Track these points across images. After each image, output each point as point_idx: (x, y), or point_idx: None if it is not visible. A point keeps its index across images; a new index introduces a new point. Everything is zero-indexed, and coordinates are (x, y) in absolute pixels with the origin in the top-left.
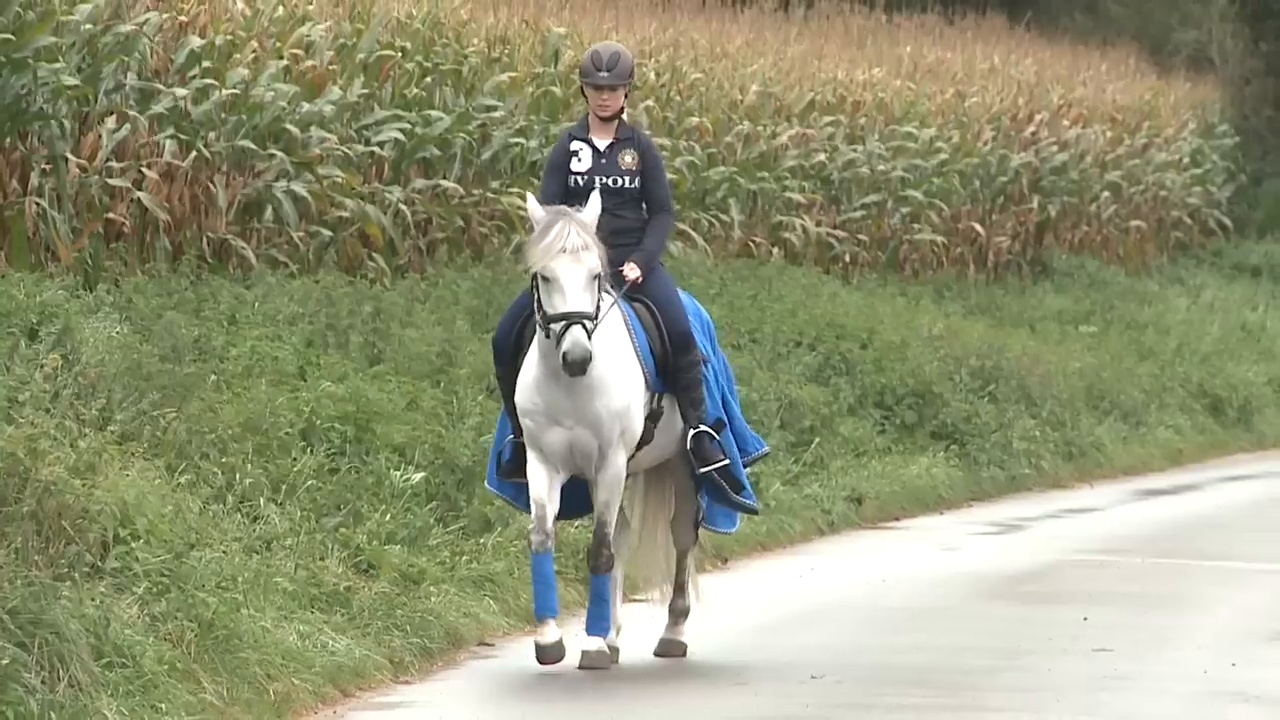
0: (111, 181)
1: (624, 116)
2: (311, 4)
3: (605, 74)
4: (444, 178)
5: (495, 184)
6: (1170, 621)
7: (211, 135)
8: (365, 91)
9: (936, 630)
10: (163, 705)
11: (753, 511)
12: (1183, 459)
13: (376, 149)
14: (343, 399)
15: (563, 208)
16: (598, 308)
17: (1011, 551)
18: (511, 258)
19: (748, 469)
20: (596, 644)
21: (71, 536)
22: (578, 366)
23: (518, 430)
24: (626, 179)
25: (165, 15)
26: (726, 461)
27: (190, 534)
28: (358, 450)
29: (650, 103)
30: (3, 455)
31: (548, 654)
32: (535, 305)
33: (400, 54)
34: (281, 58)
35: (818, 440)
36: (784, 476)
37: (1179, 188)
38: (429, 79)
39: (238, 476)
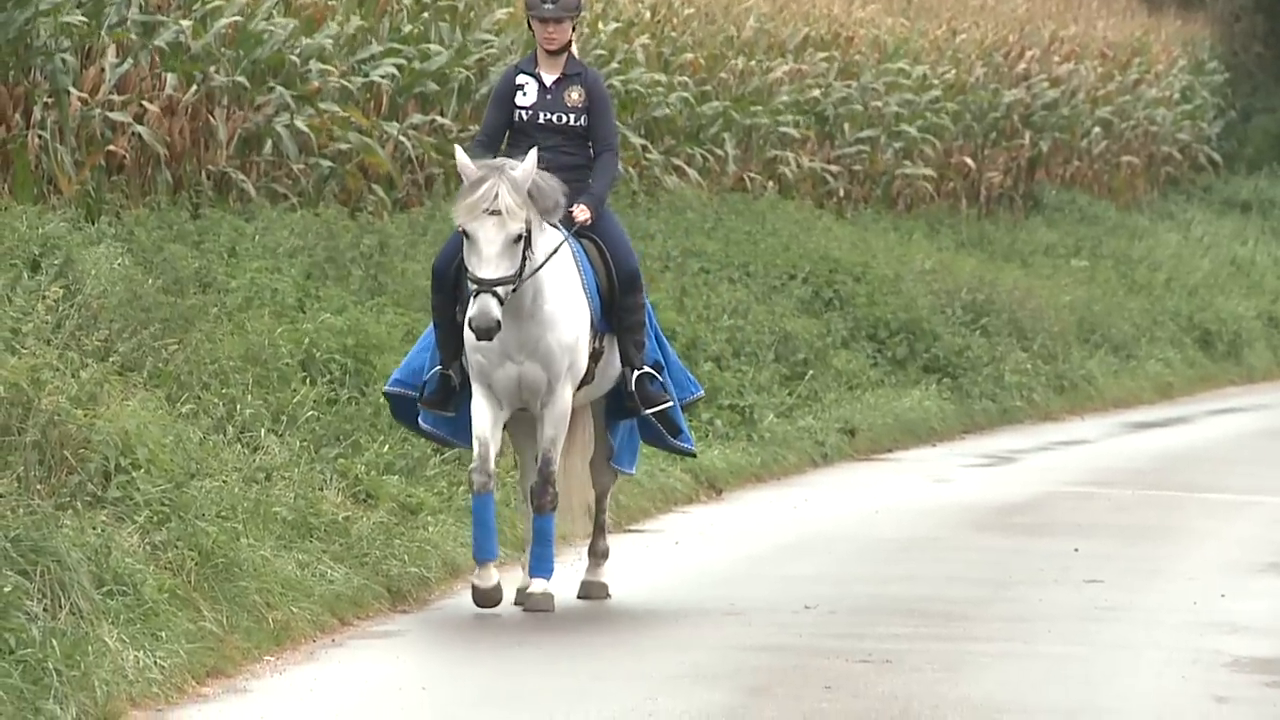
0: (113, 115)
1: (573, 51)
2: None
3: (551, 5)
4: (441, 114)
5: None
6: (1160, 553)
7: (212, 69)
8: (363, 25)
9: (928, 561)
10: (162, 633)
11: (690, 454)
12: (1173, 392)
13: (378, 79)
14: (342, 331)
15: (496, 162)
16: (521, 269)
17: (1002, 483)
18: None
19: (686, 412)
20: (541, 585)
21: (73, 466)
22: (483, 334)
23: (445, 362)
24: (572, 116)
25: None
26: (672, 403)
27: (190, 464)
28: (357, 382)
29: (645, 38)
30: (5, 385)
31: (486, 597)
32: (461, 260)
33: None
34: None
35: (811, 373)
36: (778, 408)
37: (1169, 123)
38: (425, 14)
39: (238, 407)
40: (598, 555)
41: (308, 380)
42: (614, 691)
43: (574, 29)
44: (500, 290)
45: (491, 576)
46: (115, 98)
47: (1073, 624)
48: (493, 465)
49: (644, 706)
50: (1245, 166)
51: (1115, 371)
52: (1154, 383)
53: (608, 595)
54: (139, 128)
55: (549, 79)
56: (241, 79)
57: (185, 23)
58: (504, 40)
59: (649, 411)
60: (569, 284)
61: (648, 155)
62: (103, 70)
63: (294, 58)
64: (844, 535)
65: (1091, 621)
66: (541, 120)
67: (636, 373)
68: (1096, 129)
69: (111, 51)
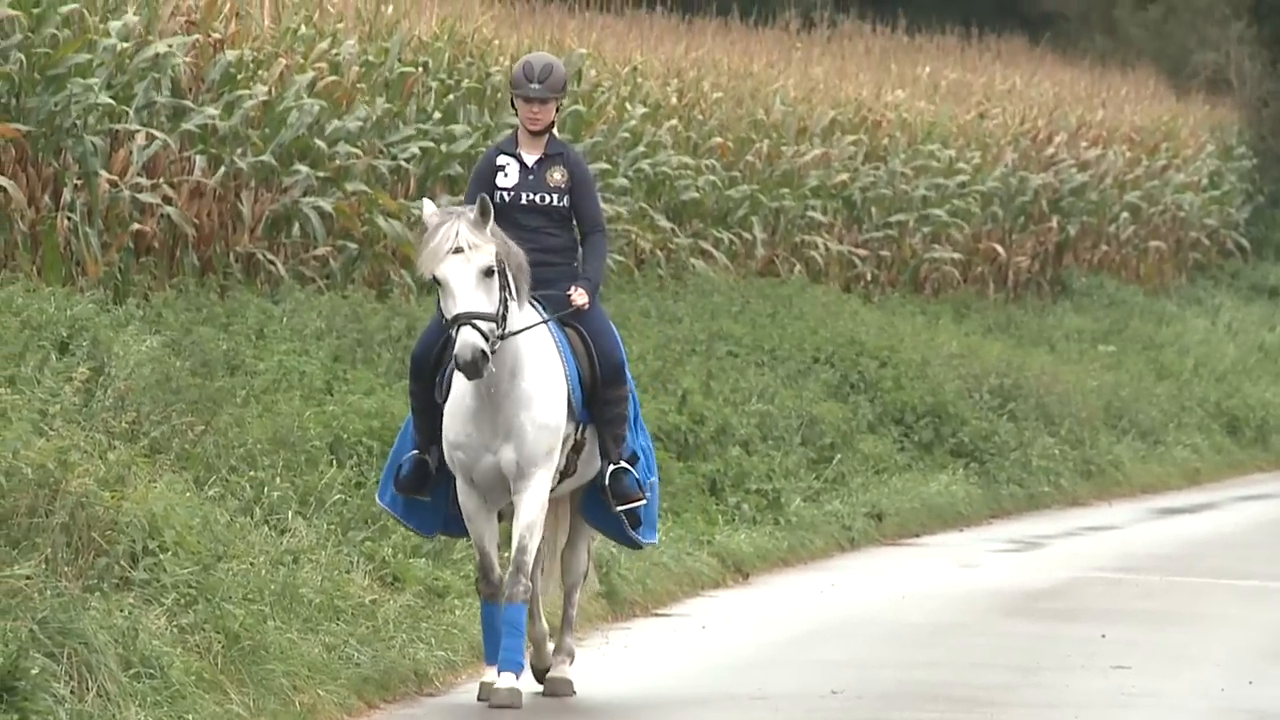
0: (141, 197)
1: (554, 132)
2: (341, 22)
3: (537, 85)
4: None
5: None
6: (1187, 639)
7: (239, 151)
8: (390, 108)
9: (955, 646)
10: (190, 716)
11: (639, 548)
12: (1200, 478)
13: (404, 164)
14: (370, 414)
15: (452, 208)
16: (503, 307)
17: (1030, 569)
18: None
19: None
20: (509, 681)
21: (101, 548)
22: (470, 368)
23: (422, 446)
24: (555, 196)
25: (196, 36)
26: (645, 501)
27: (218, 546)
28: (384, 465)
29: (673, 122)
30: (33, 467)
31: (501, 698)
32: (436, 304)
33: (423, 70)
34: (305, 71)
35: (838, 457)
36: (805, 493)
37: (1197, 209)
38: (451, 97)
39: (265, 490)
40: (563, 653)
41: (335, 463)
42: None
43: (557, 110)
44: (482, 325)
45: (511, 681)
46: (143, 180)
47: (1100, 710)
48: (496, 574)
49: None
50: (1273, 252)
51: (1143, 457)
52: (1181, 469)
53: (572, 692)
54: (167, 209)
55: (530, 159)
56: (269, 159)
57: (212, 110)
58: None
59: (621, 509)
60: (550, 369)
61: (675, 238)
62: (131, 153)
63: (321, 141)
64: (871, 620)
65: (1119, 708)
66: (524, 201)
67: (613, 467)
68: (1124, 214)
69: (140, 135)
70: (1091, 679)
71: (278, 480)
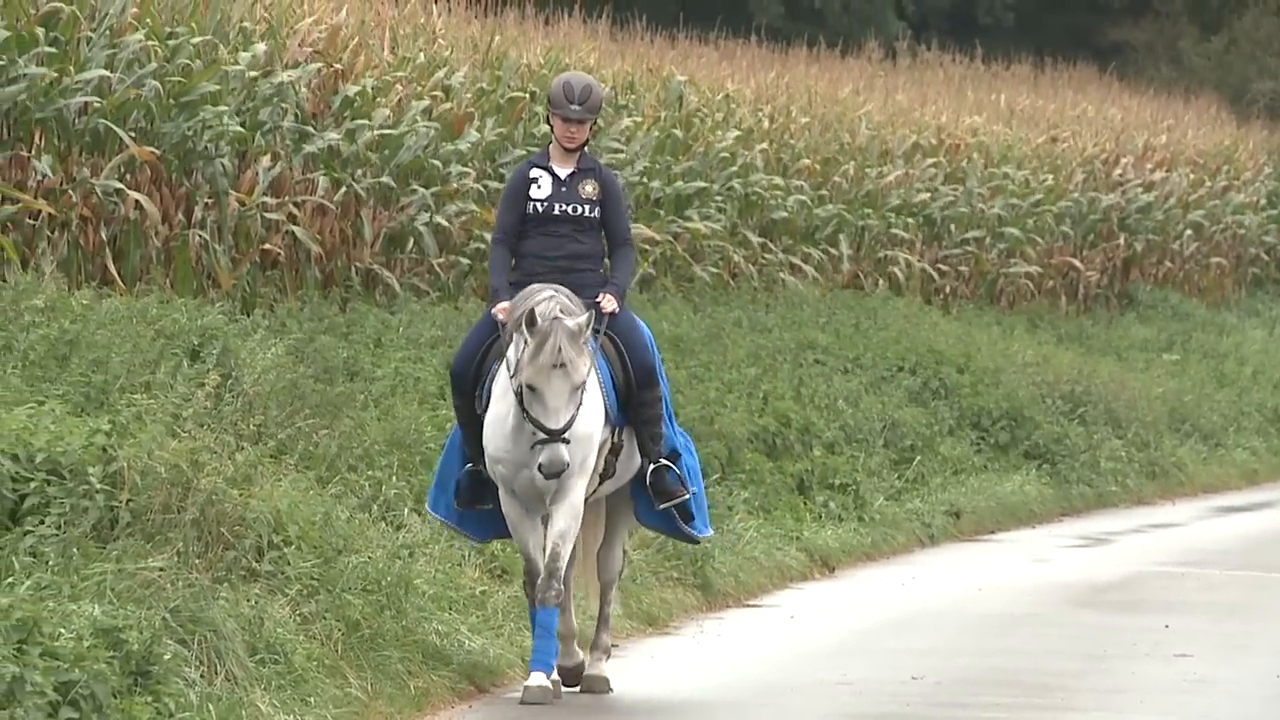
0: (268, 215)
1: (586, 149)
2: (450, 52)
3: (577, 107)
4: None
5: None
6: (1246, 629)
7: (359, 173)
8: (500, 131)
9: (1029, 635)
10: (311, 699)
11: (695, 542)
12: (1258, 478)
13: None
14: None
15: (555, 311)
16: (577, 410)
17: (1098, 563)
18: (635, 288)
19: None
20: (539, 680)
21: (230, 542)
22: (554, 477)
23: (474, 459)
24: (586, 208)
25: (319, 65)
26: (688, 496)
27: (338, 540)
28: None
29: (764, 145)
30: (167, 466)
31: (534, 695)
32: (521, 409)
33: (531, 97)
34: (421, 98)
35: (919, 458)
36: (887, 492)
37: (1256, 227)
38: None
39: (383, 488)
40: (600, 650)
41: None
42: None
43: (592, 128)
44: (567, 435)
45: (544, 680)
46: (270, 199)
47: (1164, 696)
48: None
49: None
50: None
51: (1204, 459)
52: (1241, 469)
53: (609, 689)
54: (293, 227)
55: (563, 173)
56: (388, 180)
57: (334, 134)
58: (633, 147)
59: (664, 506)
60: (587, 382)
61: (766, 254)
62: (258, 174)
63: (435, 161)
64: (949, 611)
65: (1182, 694)
66: (556, 211)
67: (653, 466)
68: (1188, 231)
69: (266, 157)
70: (1156, 666)
71: (394, 479)
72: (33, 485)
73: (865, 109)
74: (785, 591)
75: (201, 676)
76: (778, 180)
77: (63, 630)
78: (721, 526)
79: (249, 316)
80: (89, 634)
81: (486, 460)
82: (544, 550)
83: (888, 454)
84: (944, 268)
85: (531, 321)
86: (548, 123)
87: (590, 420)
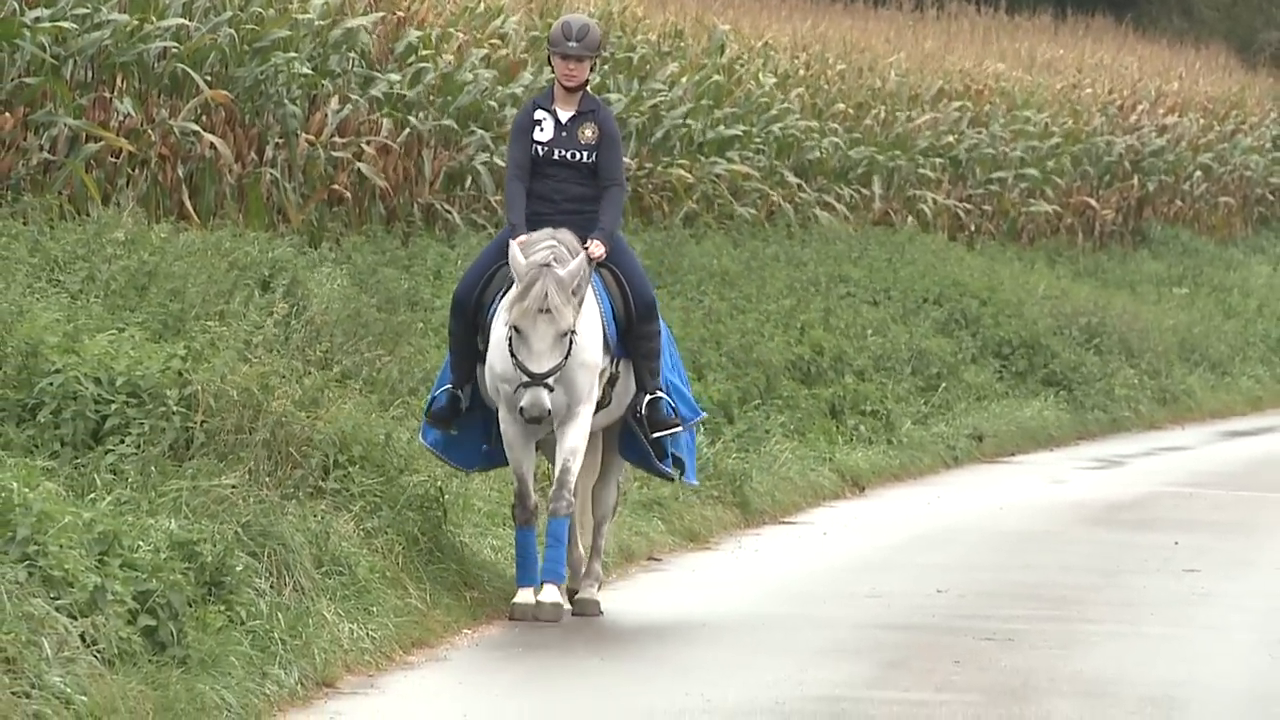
0: (335, 155)
1: (588, 89)
2: (505, 1)
3: (574, 44)
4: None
5: (665, 159)
6: (1250, 545)
7: (421, 115)
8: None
9: (1045, 551)
10: (374, 608)
11: (669, 478)
12: (1262, 405)
13: None
14: None
15: (541, 258)
16: (565, 358)
17: (1112, 484)
18: (679, 224)
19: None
20: (552, 595)
21: (297, 461)
22: (533, 422)
23: (458, 382)
24: (585, 154)
25: (384, 13)
26: (680, 428)
27: (400, 460)
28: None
29: (800, 90)
30: (239, 390)
31: (522, 612)
32: (508, 341)
33: None
34: (480, 45)
35: (944, 385)
36: (914, 416)
37: (1262, 168)
38: (606, 67)
39: None
40: (591, 578)
41: None
42: (769, 664)
43: (592, 68)
44: (550, 380)
45: (530, 597)
46: (337, 139)
47: (1173, 608)
48: (532, 501)
49: (795, 676)
50: None
51: (1212, 386)
52: (1246, 397)
53: (599, 613)
54: (359, 165)
55: (564, 115)
56: (448, 122)
57: (396, 76)
58: (675, 91)
59: (657, 435)
60: (588, 311)
61: (802, 193)
62: (326, 116)
63: (492, 104)
64: (972, 528)
65: (1190, 606)
66: (556, 156)
67: (649, 397)
68: (1198, 173)
69: (334, 99)
70: (1166, 581)
71: None
72: (113, 407)
73: (895, 56)
74: (818, 510)
75: (271, 587)
76: (813, 123)
77: (141, 543)
78: (759, 449)
79: (316, 250)
80: (166, 547)
81: (489, 379)
82: (535, 478)
83: (915, 381)
84: (969, 206)
85: (522, 265)
86: (549, 63)
87: (594, 349)
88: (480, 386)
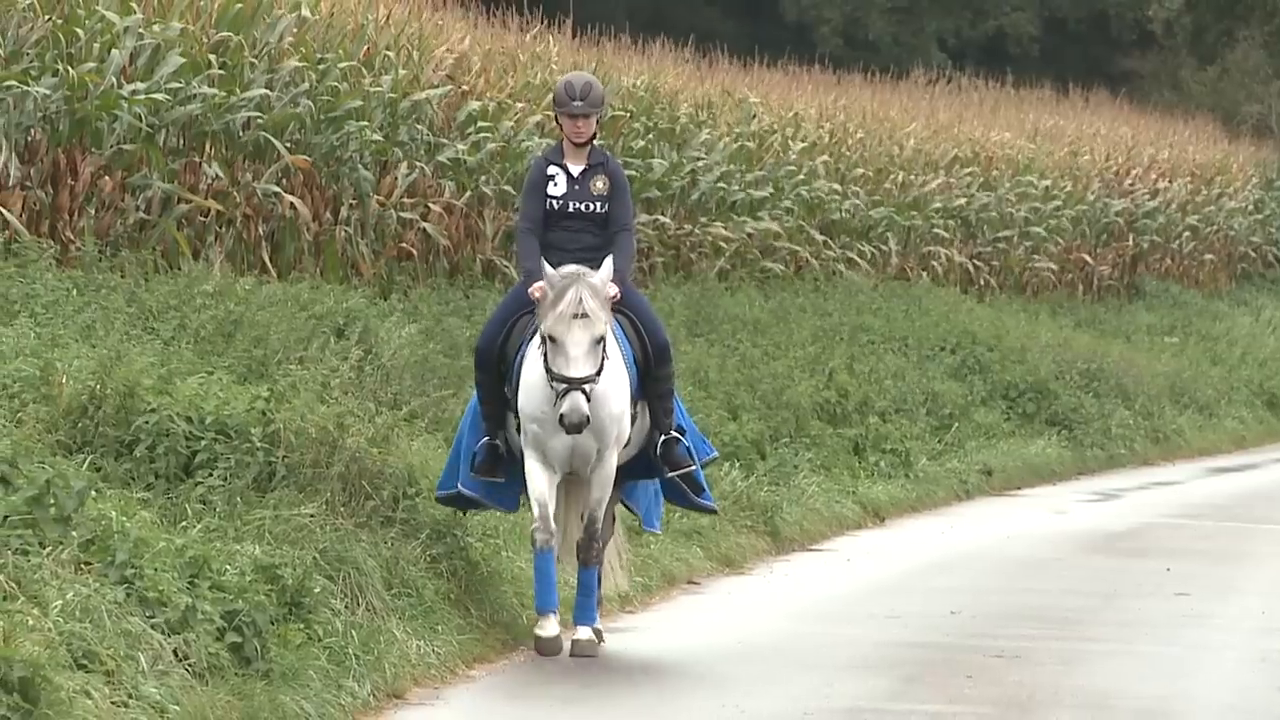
0: (404, 215)
1: (595, 143)
2: (560, 74)
3: (579, 102)
4: (662, 214)
5: (702, 219)
6: (1236, 572)
7: (482, 179)
8: (602, 143)
9: (1049, 576)
10: (439, 627)
11: (711, 512)
12: (1246, 443)
13: None
14: None
15: (574, 269)
16: (600, 368)
17: (1109, 515)
18: (715, 278)
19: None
20: (586, 634)
21: (369, 493)
22: (574, 429)
23: (491, 432)
24: (598, 204)
25: (449, 87)
26: (694, 467)
27: None
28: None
29: (825, 156)
30: (317, 428)
31: (547, 646)
32: (541, 354)
33: (629, 115)
34: (535, 114)
35: (956, 425)
36: (930, 453)
37: (1245, 228)
38: (650, 135)
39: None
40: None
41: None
42: (798, 678)
43: (598, 123)
44: (587, 387)
45: (552, 627)
46: (405, 201)
47: (1166, 629)
48: (553, 525)
49: (822, 690)
50: None
51: (1200, 426)
52: (1231, 436)
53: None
54: (425, 225)
55: (575, 169)
56: (506, 187)
57: (461, 145)
58: (712, 157)
59: (672, 474)
60: (615, 361)
61: (827, 249)
62: (396, 179)
63: None
64: (982, 555)
65: (1181, 627)
66: (571, 209)
67: (664, 437)
68: (1186, 232)
69: (403, 165)
70: (1159, 603)
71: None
72: (203, 443)
73: (912, 126)
74: (842, 538)
75: (346, 607)
76: (837, 186)
77: (228, 567)
78: (789, 482)
79: (386, 301)
80: (250, 570)
81: (522, 419)
82: (556, 505)
83: (930, 421)
84: (978, 262)
85: (554, 276)
86: (556, 122)
87: (622, 400)
88: (510, 433)
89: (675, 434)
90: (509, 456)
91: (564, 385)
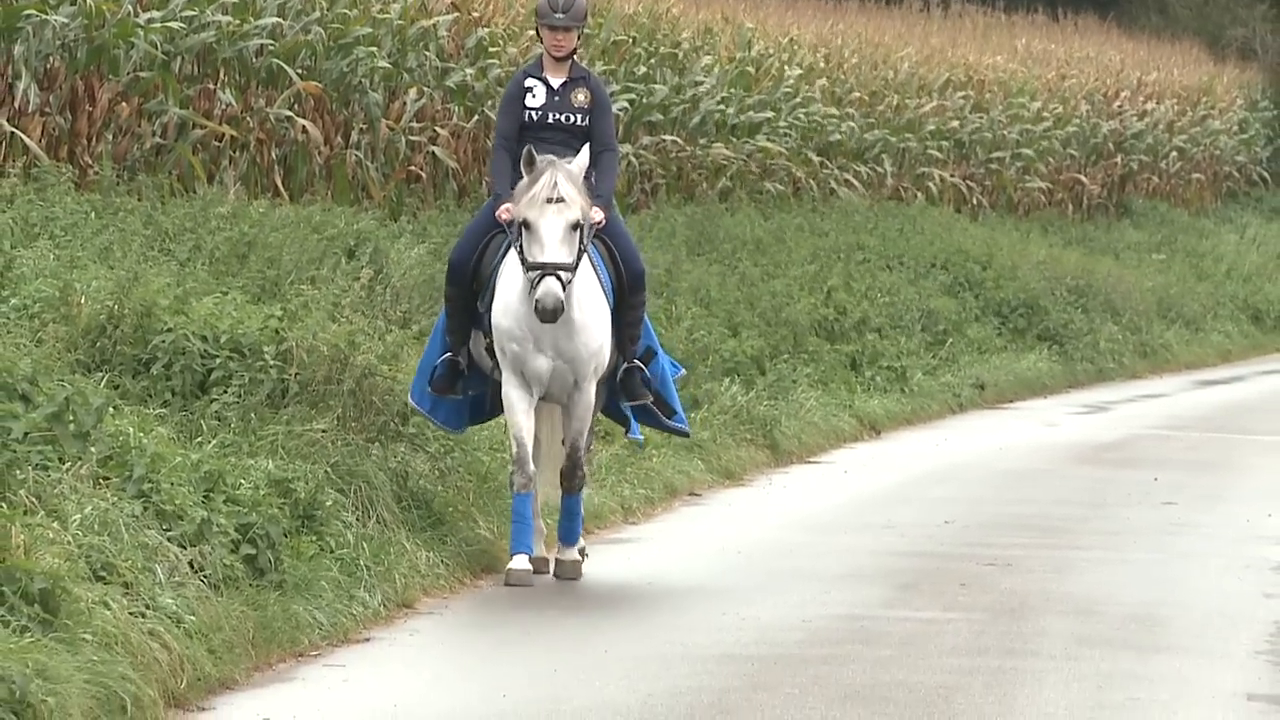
0: (413, 139)
1: (576, 58)
2: None
3: (561, 15)
4: (665, 134)
5: (702, 141)
6: (1220, 482)
7: (489, 104)
8: (606, 68)
9: (1040, 487)
10: (448, 539)
11: (683, 434)
12: (1231, 357)
13: (617, 113)
14: None
15: (552, 156)
16: (578, 257)
17: (1098, 427)
18: (715, 199)
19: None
20: (571, 554)
21: (380, 408)
22: (549, 315)
23: (454, 348)
24: (579, 116)
25: (457, 14)
26: (649, 399)
27: None
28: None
29: (822, 81)
30: (328, 346)
31: (518, 578)
32: (517, 249)
33: (631, 41)
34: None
35: (950, 340)
36: (924, 368)
37: (1230, 149)
38: (652, 60)
39: None
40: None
41: None
42: (796, 586)
43: (579, 37)
44: (562, 275)
45: (526, 564)
46: (414, 125)
47: (1153, 537)
48: (531, 466)
49: (820, 597)
50: None
51: (1186, 341)
52: (1216, 350)
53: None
54: (433, 148)
55: (556, 82)
56: None
57: (470, 70)
58: (711, 80)
59: (629, 404)
60: (592, 290)
61: (824, 171)
62: (404, 104)
63: None
64: (975, 466)
65: (1167, 535)
66: (550, 120)
67: (625, 366)
68: (1173, 152)
69: (412, 90)
70: (1146, 513)
71: None
72: (218, 361)
73: (906, 50)
74: (840, 451)
75: (357, 519)
76: (833, 110)
77: (242, 481)
78: (787, 397)
79: (396, 222)
80: (264, 484)
81: (496, 338)
82: (533, 438)
83: (924, 337)
84: (971, 183)
85: (530, 160)
86: (537, 34)
87: (602, 332)
88: (473, 352)
89: (638, 363)
90: (468, 375)
91: (539, 271)
